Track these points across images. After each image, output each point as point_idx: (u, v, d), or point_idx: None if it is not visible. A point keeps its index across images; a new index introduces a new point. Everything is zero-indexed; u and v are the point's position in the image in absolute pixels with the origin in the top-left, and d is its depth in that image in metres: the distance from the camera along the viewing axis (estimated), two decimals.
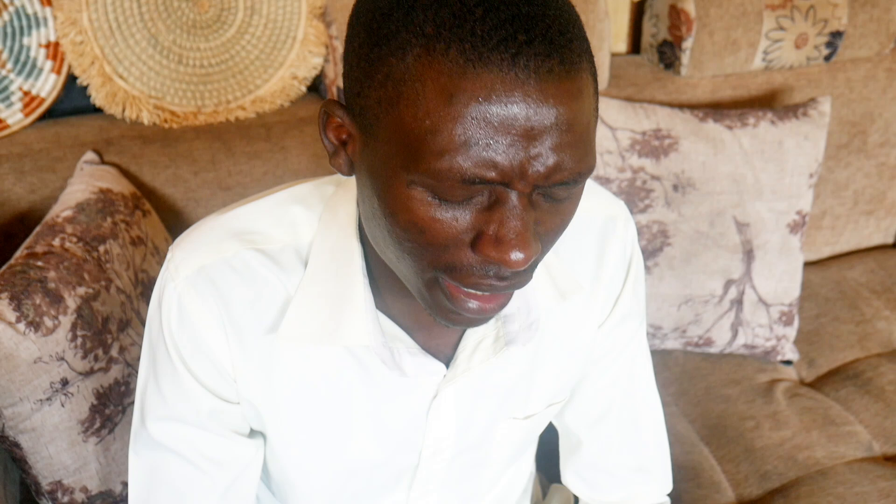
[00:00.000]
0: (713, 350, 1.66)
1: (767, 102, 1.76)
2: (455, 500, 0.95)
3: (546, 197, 0.65)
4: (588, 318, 0.91)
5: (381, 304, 0.80)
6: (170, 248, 0.81)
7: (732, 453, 1.48)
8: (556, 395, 0.93)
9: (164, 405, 0.83)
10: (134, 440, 0.87)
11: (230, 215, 0.80)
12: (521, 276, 0.68)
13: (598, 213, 0.88)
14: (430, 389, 0.85)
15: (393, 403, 0.84)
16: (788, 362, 1.68)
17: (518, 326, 0.81)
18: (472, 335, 0.83)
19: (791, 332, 1.65)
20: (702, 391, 1.60)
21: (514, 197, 0.62)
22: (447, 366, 0.84)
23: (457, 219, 0.63)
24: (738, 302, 1.60)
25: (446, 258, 0.65)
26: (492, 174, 0.60)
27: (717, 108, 1.69)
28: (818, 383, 1.65)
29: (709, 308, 1.60)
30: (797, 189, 1.57)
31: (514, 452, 0.97)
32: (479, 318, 0.70)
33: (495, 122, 0.59)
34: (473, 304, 0.68)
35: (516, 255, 0.63)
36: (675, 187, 1.54)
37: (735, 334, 1.62)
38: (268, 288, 0.79)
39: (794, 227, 1.59)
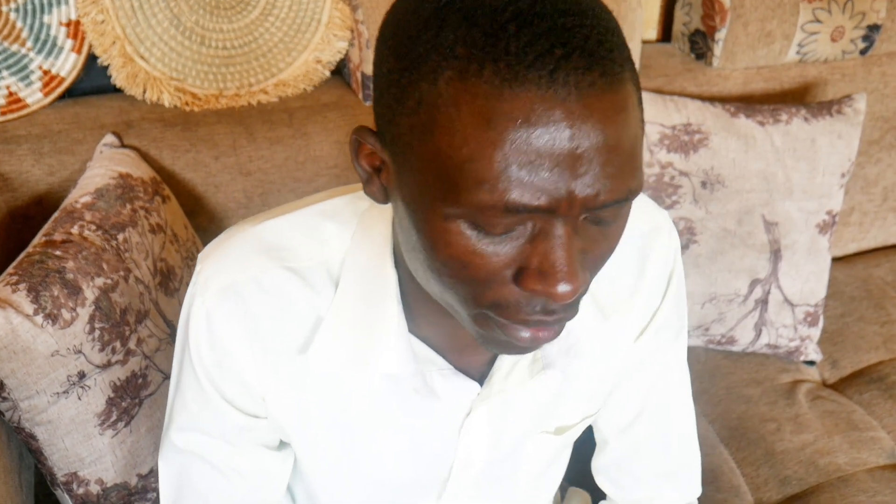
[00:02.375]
0: (735, 349, 1.63)
1: (800, 96, 1.72)
2: None
3: (593, 221, 0.61)
4: (624, 331, 0.88)
5: (414, 326, 0.77)
6: (199, 257, 0.79)
7: (752, 456, 1.46)
8: (589, 409, 0.91)
9: (190, 417, 0.82)
10: (162, 445, 0.86)
11: (261, 228, 0.78)
12: (570, 308, 0.64)
13: (639, 225, 0.83)
14: (463, 407, 0.82)
15: (425, 422, 0.83)
16: (811, 363, 1.66)
17: (557, 350, 0.79)
18: (509, 356, 0.80)
19: (815, 332, 1.62)
20: (723, 390, 1.58)
21: (559, 225, 0.58)
22: (481, 383, 0.81)
23: (498, 252, 0.60)
24: (763, 302, 1.57)
25: (490, 294, 0.62)
26: (537, 202, 0.56)
27: (748, 102, 1.66)
28: (841, 385, 1.62)
29: (733, 307, 1.58)
30: (828, 189, 1.54)
31: (545, 464, 0.95)
32: (533, 347, 0.66)
33: (537, 145, 0.55)
34: (527, 335, 0.64)
35: (563, 288, 0.59)
36: (704, 184, 1.51)
37: (758, 334, 1.60)
38: (297, 308, 0.76)
39: (824, 228, 1.56)
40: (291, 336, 0.77)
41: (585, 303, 0.81)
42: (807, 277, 1.58)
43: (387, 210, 0.76)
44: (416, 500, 0.90)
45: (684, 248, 1.55)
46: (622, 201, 0.59)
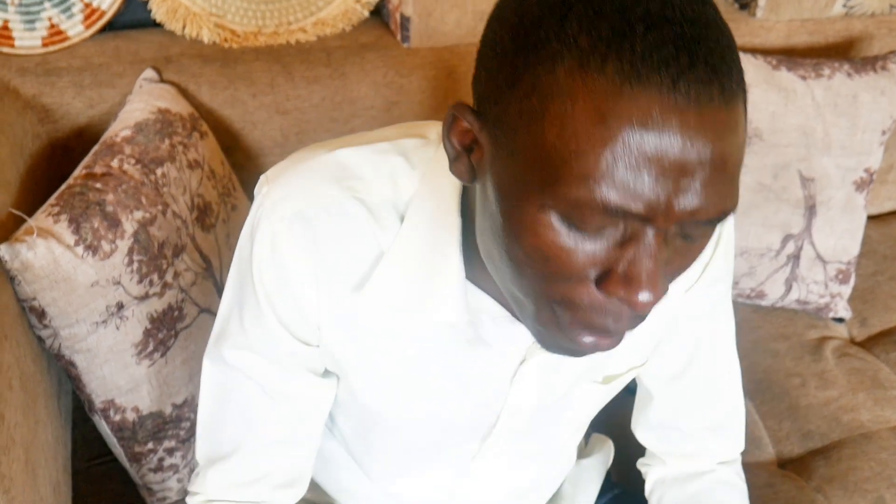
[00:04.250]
0: (765, 303, 1.64)
1: (844, 50, 1.70)
2: (525, 453, 0.95)
3: (682, 235, 0.60)
4: (676, 282, 0.88)
5: (473, 274, 0.77)
6: (264, 177, 0.78)
7: (776, 410, 1.48)
8: (638, 360, 0.91)
9: (244, 336, 0.82)
10: (210, 352, 0.86)
11: (331, 157, 0.77)
12: (640, 318, 0.64)
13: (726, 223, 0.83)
14: (516, 355, 0.83)
15: (477, 369, 0.83)
16: (840, 320, 1.66)
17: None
18: None
19: (846, 290, 1.62)
20: (749, 344, 1.58)
21: (650, 234, 0.58)
22: None
23: (585, 251, 0.59)
24: (796, 257, 1.57)
25: (566, 291, 0.62)
26: (637, 207, 0.55)
27: (790, 55, 1.63)
28: (869, 343, 1.62)
29: (764, 261, 1.58)
30: (868, 146, 1.52)
31: (589, 414, 0.97)
32: (589, 352, 0.66)
33: (648, 151, 0.54)
34: (588, 340, 0.64)
35: (645, 297, 0.59)
36: None
37: (789, 289, 1.60)
38: (363, 241, 0.76)
39: (861, 185, 1.55)
40: (353, 268, 0.77)
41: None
42: (841, 234, 1.57)
43: None
44: (461, 442, 0.91)
45: None
46: (715, 221, 0.59)
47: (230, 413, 0.86)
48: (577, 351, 0.66)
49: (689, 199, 0.56)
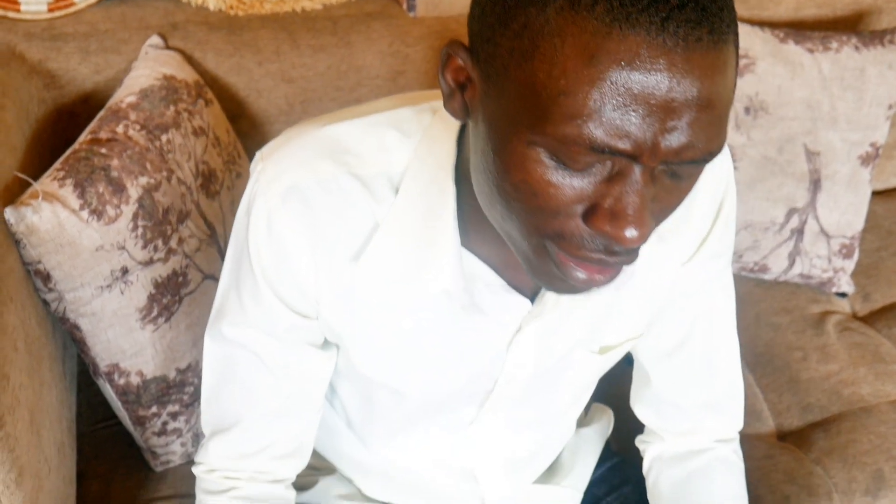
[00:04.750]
0: (767, 277, 1.64)
1: (853, 24, 1.69)
2: (522, 420, 0.96)
3: (669, 174, 0.61)
4: (673, 255, 0.88)
5: (469, 242, 0.78)
6: (259, 154, 0.79)
7: (776, 383, 1.48)
8: (633, 331, 0.92)
9: (243, 313, 0.83)
10: (210, 329, 0.88)
11: (327, 131, 0.77)
12: (632, 253, 0.65)
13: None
14: (512, 323, 0.84)
15: (473, 336, 0.84)
16: (843, 294, 1.66)
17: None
18: None
19: (850, 264, 1.62)
20: (751, 317, 1.59)
21: (637, 171, 0.59)
22: (533, 300, 0.82)
23: (573, 186, 0.60)
24: (799, 231, 1.57)
25: (555, 225, 0.63)
26: (623, 145, 0.57)
27: (798, 28, 1.62)
28: (871, 318, 1.63)
29: (768, 235, 1.58)
30: (874, 120, 1.52)
31: (586, 384, 0.97)
32: (585, 289, 0.67)
33: (635, 90, 0.55)
34: (582, 275, 0.65)
35: (631, 233, 0.60)
36: (747, 110, 1.50)
37: (792, 263, 1.60)
38: (358, 215, 0.77)
39: (866, 160, 1.54)
40: (349, 241, 0.78)
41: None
42: (845, 209, 1.57)
43: (453, 126, 0.75)
44: (458, 407, 0.92)
45: None
46: (701, 161, 0.60)
47: (231, 387, 0.88)
48: (573, 288, 0.67)
49: (676, 138, 0.57)
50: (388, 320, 0.83)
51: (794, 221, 1.57)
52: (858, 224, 1.59)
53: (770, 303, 1.62)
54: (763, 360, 1.51)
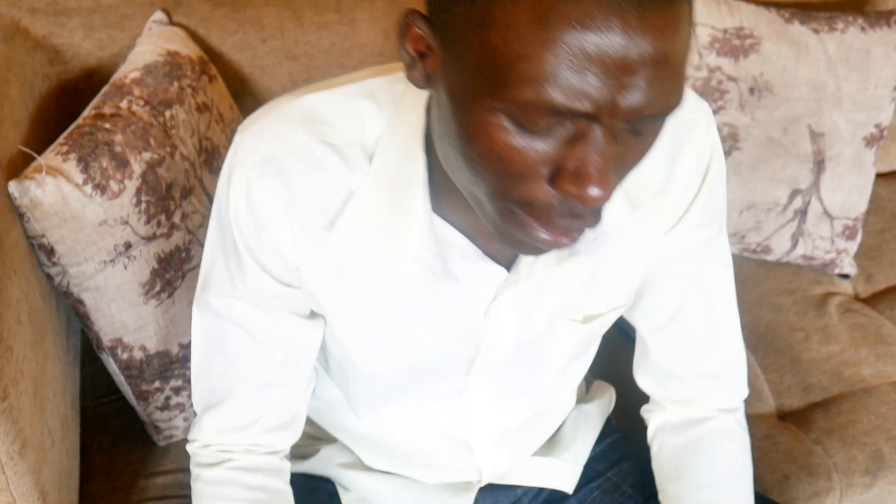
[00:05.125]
0: (770, 258, 1.64)
1: (859, 5, 1.68)
2: (511, 389, 0.97)
3: (630, 131, 0.62)
4: (655, 225, 0.88)
5: (443, 211, 0.79)
6: (238, 129, 0.80)
7: (778, 363, 1.48)
8: (617, 300, 0.92)
9: (228, 284, 0.84)
10: (197, 303, 0.89)
11: (301, 102, 0.79)
12: (595, 214, 0.66)
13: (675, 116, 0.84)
14: (487, 292, 0.85)
15: (449, 304, 0.85)
16: (846, 276, 1.66)
17: (584, 237, 0.80)
18: None
19: (853, 246, 1.62)
20: (754, 298, 1.59)
21: (598, 130, 0.60)
22: (509, 268, 0.83)
23: (536, 150, 0.61)
24: (803, 212, 1.57)
25: (522, 191, 0.64)
26: (582, 106, 0.57)
27: (804, 8, 1.61)
28: (873, 300, 1.63)
29: (771, 216, 1.58)
30: (879, 101, 1.51)
31: (574, 353, 0.97)
32: (548, 250, 0.69)
33: (590, 51, 0.56)
34: (546, 236, 0.66)
35: (594, 192, 0.61)
36: (752, 90, 1.49)
37: (795, 244, 1.60)
38: (333, 183, 0.78)
39: (871, 141, 1.54)
40: (325, 210, 0.79)
41: (615, 193, 0.81)
42: (849, 190, 1.57)
43: (422, 95, 0.76)
44: (444, 376, 0.93)
45: (726, 154, 1.54)
46: (661, 116, 0.61)
47: (220, 360, 0.89)
48: (536, 248, 0.69)
49: (634, 97, 0.58)
50: (363, 287, 0.84)
51: (798, 202, 1.57)
52: (862, 206, 1.59)
53: (772, 284, 1.62)
54: (765, 341, 1.52)
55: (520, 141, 0.61)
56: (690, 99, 0.85)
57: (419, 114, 0.76)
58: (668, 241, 0.90)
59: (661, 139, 0.75)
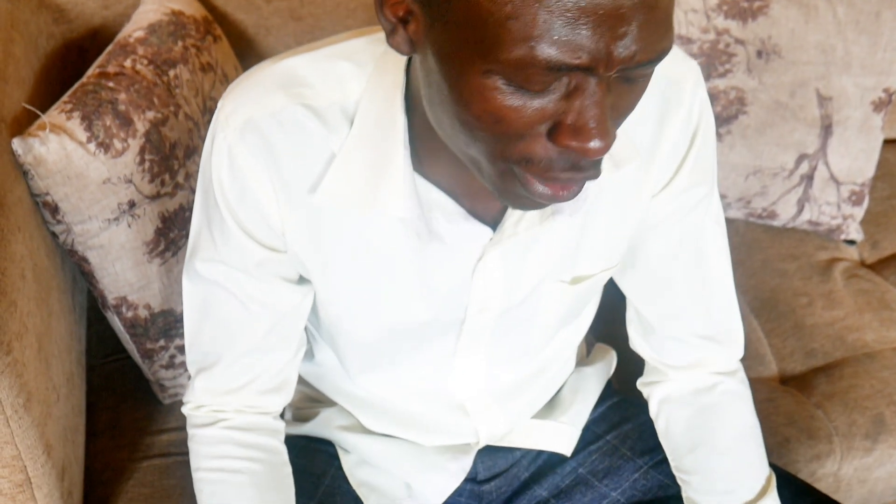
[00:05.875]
0: (776, 223, 1.63)
1: None
2: (504, 353, 0.97)
3: (623, 79, 0.62)
4: (643, 185, 0.88)
5: (425, 170, 0.79)
6: (222, 96, 0.81)
7: (781, 328, 1.49)
8: (606, 262, 0.92)
9: (214, 249, 0.85)
10: (186, 269, 0.90)
11: (281, 66, 0.79)
12: (596, 166, 0.66)
13: (661, 74, 0.79)
14: (475, 252, 0.85)
15: (438, 264, 0.85)
16: (852, 242, 1.65)
17: (584, 190, 0.80)
18: None
19: (859, 212, 1.61)
20: (758, 263, 1.59)
21: (593, 83, 0.60)
22: (494, 228, 0.83)
23: (534, 108, 0.61)
24: (809, 177, 1.56)
25: (521, 148, 0.64)
26: (578, 60, 0.57)
27: None
28: (879, 266, 1.62)
29: (777, 181, 1.57)
30: (888, 65, 1.50)
31: (565, 315, 0.97)
32: (549, 203, 0.69)
33: (582, 3, 0.56)
34: (547, 191, 0.66)
35: (596, 144, 0.61)
36: (760, 53, 1.48)
37: (801, 209, 1.59)
38: (313, 145, 0.78)
39: (879, 106, 1.53)
40: (307, 172, 0.79)
41: None
42: (856, 155, 1.56)
43: (401, 56, 0.76)
44: (435, 337, 0.93)
45: (733, 118, 1.53)
46: (655, 61, 0.61)
47: (211, 324, 0.90)
48: (538, 203, 0.69)
49: (627, 45, 0.58)
50: (349, 251, 0.84)
51: (804, 167, 1.56)
52: (869, 171, 1.58)
53: (778, 249, 1.61)
54: (768, 306, 1.52)
55: (517, 101, 0.61)
56: (677, 56, 0.85)
57: (398, 76, 0.76)
58: (658, 201, 0.90)
59: (649, 93, 0.75)
